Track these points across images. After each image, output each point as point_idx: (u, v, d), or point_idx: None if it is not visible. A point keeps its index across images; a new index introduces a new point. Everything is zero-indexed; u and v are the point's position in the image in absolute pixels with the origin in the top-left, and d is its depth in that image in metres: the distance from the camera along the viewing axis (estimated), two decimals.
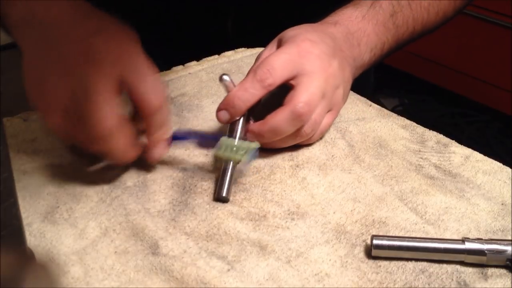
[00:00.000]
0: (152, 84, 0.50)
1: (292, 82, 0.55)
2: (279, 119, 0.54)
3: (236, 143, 0.53)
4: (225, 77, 0.55)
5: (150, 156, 0.53)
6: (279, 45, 0.59)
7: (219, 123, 0.56)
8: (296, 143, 0.57)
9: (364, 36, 0.63)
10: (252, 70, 0.55)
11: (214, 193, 0.52)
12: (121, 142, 0.49)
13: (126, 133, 0.49)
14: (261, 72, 0.54)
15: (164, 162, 0.55)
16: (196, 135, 0.55)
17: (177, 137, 0.54)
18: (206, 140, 0.54)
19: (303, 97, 0.54)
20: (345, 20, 0.63)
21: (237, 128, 0.54)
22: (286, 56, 0.55)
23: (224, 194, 0.51)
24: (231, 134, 0.54)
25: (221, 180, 0.52)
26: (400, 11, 0.67)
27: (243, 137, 0.55)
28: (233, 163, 0.52)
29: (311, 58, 0.55)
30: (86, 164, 0.54)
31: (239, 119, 0.55)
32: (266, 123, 0.54)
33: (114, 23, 0.53)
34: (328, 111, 0.58)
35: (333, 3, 0.66)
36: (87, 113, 0.47)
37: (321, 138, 0.60)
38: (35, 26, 0.52)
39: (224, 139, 0.53)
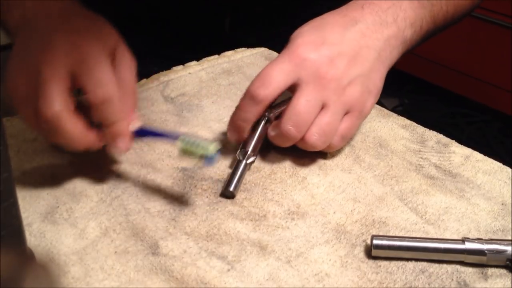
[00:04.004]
0: (98, 76, 0.48)
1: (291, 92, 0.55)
2: (274, 136, 0.54)
3: (193, 143, 0.49)
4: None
5: (110, 148, 0.51)
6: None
7: (219, 123, 0.56)
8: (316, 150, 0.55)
9: (400, 11, 0.60)
10: (248, 87, 0.54)
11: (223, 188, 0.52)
12: (68, 128, 0.48)
13: (72, 119, 0.48)
14: (252, 88, 0.53)
15: (164, 162, 0.55)
16: (158, 134, 0.52)
17: (140, 133, 0.52)
18: (166, 139, 0.51)
19: (291, 119, 0.53)
20: None
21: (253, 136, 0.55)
22: (278, 67, 0.53)
23: (231, 189, 0.51)
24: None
25: (231, 175, 0.52)
26: None
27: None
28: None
29: (306, 65, 0.54)
30: (87, 163, 0.54)
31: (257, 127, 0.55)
32: (269, 134, 0.55)
33: (86, 18, 0.52)
34: (345, 114, 0.55)
35: (329, 2, 0.66)
36: (37, 99, 0.47)
37: (348, 143, 0.59)
38: (25, 28, 0.52)
39: (183, 138, 0.49)
